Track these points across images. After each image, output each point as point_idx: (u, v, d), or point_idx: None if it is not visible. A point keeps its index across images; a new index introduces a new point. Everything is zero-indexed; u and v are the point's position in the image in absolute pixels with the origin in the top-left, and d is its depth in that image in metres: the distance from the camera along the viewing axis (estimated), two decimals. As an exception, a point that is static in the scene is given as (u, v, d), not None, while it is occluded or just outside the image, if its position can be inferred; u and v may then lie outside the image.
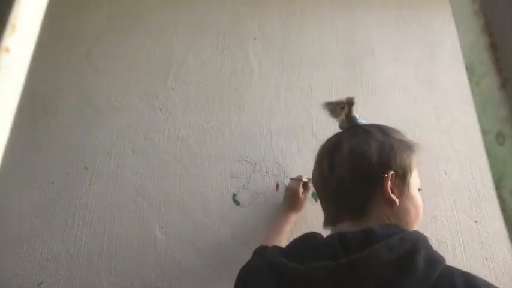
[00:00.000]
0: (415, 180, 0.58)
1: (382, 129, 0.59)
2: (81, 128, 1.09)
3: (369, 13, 1.31)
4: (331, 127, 1.14)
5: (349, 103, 0.60)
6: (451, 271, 0.46)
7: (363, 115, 0.65)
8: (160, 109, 1.13)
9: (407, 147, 0.57)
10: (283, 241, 0.90)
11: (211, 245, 0.98)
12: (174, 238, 0.98)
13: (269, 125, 1.13)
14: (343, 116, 0.61)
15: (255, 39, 1.25)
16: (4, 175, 0.99)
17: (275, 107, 1.15)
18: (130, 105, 1.13)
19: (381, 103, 1.17)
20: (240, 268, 0.74)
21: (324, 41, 1.26)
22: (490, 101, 0.17)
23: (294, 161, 1.07)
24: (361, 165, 0.54)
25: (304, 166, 1.05)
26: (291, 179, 1.01)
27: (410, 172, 0.57)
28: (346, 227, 0.54)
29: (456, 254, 0.99)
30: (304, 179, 0.98)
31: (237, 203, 1.03)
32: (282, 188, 1.04)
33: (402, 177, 0.55)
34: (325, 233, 0.57)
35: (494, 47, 0.17)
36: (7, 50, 0.17)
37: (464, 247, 1.00)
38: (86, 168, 1.05)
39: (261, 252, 0.81)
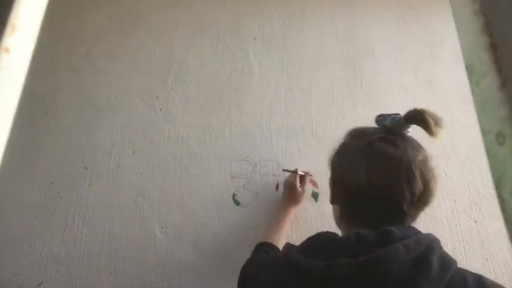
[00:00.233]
0: None
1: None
2: (81, 128, 1.09)
3: (369, 13, 1.31)
4: (331, 127, 1.14)
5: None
6: (463, 273, 0.48)
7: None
8: (160, 109, 1.13)
9: None
10: (283, 236, 0.91)
11: (211, 245, 0.98)
12: (174, 238, 0.98)
13: (269, 125, 1.13)
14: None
15: (255, 39, 1.25)
16: (4, 175, 0.99)
17: (275, 107, 1.15)
18: (130, 105, 1.13)
19: (381, 103, 1.17)
20: (240, 267, 0.75)
21: (324, 41, 1.26)
22: (490, 101, 0.17)
23: (294, 161, 1.07)
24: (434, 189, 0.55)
25: (304, 166, 1.05)
26: (283, 170, 1.02)
27: None
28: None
29: (456, 254, 0.99)
30: (300, 172, 0.99)
31: (237, 203, 1.03)
32: (282, 187, 1.04)
33: None
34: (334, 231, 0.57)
35: (494, 47, 0.17)
36: (7, 50, 0.17)
37: (464, 247, 1.00)
38: (86, 168, 1.05)
39: (264, 249, 0.81)
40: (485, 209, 1.05)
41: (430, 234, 0.51)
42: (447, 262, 0.47)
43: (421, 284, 0.43)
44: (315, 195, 1.04)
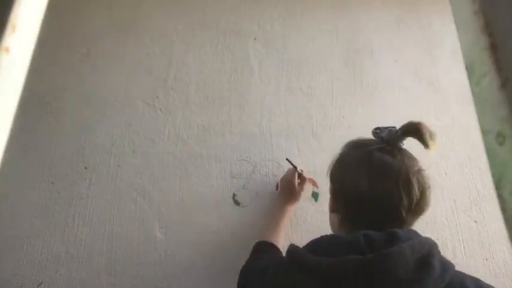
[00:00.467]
0: None
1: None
2: (81, 128, 1.09)
3: (369, 13, 1.31)
4: (331, 127, 1.14)
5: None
6: (461, 275, 0.51)
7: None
8: (160, 109, 1.13)
9: None
10: (282, 234, 0.91)
11: (211, 245, 0.98)
12: (174, 238, 0.98)
13: (269, 125, 1.13)
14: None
15: (255, 39, 1.25)
16: (4, 175, 0.99)
17: (275, 107, 1.15)
18: (130, 105, 1.13)
19: (381, 103, 1.17)
20: (240, 267, 0.75)
21: (324, 41, 1.26)
22: (490, 101, 0.17)
23: (294, 161, 1.07)
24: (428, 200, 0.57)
25: (304, 166, 1.05)
26: (287, 159, 1.02)
27: None
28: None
29: (456, 254, 0.99)
30: (299, 170, 0.99)
31: (237, 203, 1.03)
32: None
33: None
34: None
35: (494, 47, 0.17)
36: (7, 50, 0.17)
37: (464, 247, 1.00)
38: (86, 168, 1.05)
39: (263, 249, 0.81)
40: (485, 209, 1.05)
41: (429, 238, 0.53)
42: (446, 265, 0.50)
43: (426, 283, 0.46)
44: (315, 195, 1.04)
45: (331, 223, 0.66)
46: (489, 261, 0.99)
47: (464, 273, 0.52)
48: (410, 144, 0.60)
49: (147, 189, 1.03)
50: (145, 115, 1.12)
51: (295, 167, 1.00)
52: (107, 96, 1.13)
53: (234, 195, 1.04)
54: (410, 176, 0.55)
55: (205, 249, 0.98)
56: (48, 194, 1.01)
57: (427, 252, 0.49)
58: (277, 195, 1.03)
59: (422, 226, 1.02)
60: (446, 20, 1.30)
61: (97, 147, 1.07)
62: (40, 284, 0.92)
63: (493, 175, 0.18)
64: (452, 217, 1.04)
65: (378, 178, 0.55)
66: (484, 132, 0.18)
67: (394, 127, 0.61)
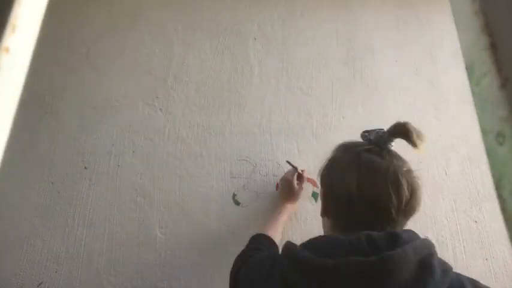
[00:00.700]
0: None
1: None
2: (81, 128, 1.09)
3: (369, 13, 1.31)
4: (331, 127, 1.14)
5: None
6: (460, 277, 0.51)
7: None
8: (160, 109, 1.13)
9: None
10: (279, 231, 0.91)
11: (211, 245, 0.98)
12: (174, 238, 0.98)
13: (269, 125, 1.13)
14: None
15: (255, 39, 1.25)
16: (4, 175, 0.99)
17: (275, 107, 1.15)
18: (130, 105, 1.13)
19: (381, 103, 1.17)
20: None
21: (324, 41, 1.26)
22: (490, 101, 0.17)
23: (294, 161, 1.07)
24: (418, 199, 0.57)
25: (304, 166, 1.05)
26: (287, 161, 1.03)
27: None
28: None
29: (456, 254, 0.99)
30: (299, 170, 0.99)
31: (237, 203, 1.03)
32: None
33: None
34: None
35: (494, 47, 0.17)
36: (7, 50, 0.17)
37: (464, 247, 1.00)
38: (86, 168, 1.05)
39: (259, 241, 0.80)
40: (485, 209, 1.05)
41: (427, 239, 0.53)
42: (446, 267, 0.49)
43: (428, 285, 0.46)
44: (315, 195, 1.04)
45: (323, 228, 0.65)
46: (489, 261, 0.99)
47: (461, 275, 0.52)
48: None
49: (147, 189, 1.03)
50: (145, 115, 1.12)
51: (295, 168, 1.00)
52: (107, 96, 1.13)
53: (234, 195, 1.04)
54: (399, 176, 0.55)
55: (205, 249, 0.98)
56: (48, 194, 1.01)
57: (428, 253, 0.49)
58: (277, 195, 1.03)
59: (423, 227, 1.02)
60: (446, 20, 1.30)
61: (97, 147, 1.07)
62: (40, 284, 0.92)
63: (493, 175, 0.18)
64: (452, 217, 1.04)
65: (366, 179, 0.55)
66: (484, 132, 0.18)
67: (382, 129, 0.61)
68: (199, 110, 1.13)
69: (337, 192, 0.59)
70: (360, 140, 0.64)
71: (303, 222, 1.02)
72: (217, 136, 1.10)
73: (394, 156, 0.59)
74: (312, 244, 0.54)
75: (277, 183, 1.05)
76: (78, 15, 1.24)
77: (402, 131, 0.58)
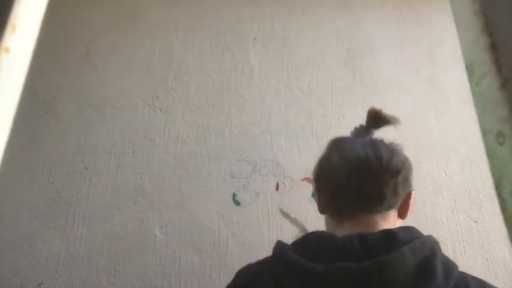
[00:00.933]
0: None
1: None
2: (81, 128, 1.09)
3: (369, 13, 1.31)
4: (331, 127, 1.14)
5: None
6: (465, 276, 0.48)
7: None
8: (160, 109, 1.13)
9: None
10: None
11: (211, 245, 0.98)
12: (174, 238, 0.98)
13: (269, 125, 1.13)
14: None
15: (255, 39, 1.25)
16: (4, 175, 0.99)
17: (275, 107, 1.15)
18: (130, 105, 1.13)
19: (381, 103, 1.17)
20: (240, 268, 0.74)
21: (324, 40, 1.26)
22: (490, 101, 0.17)
23: (294, 161, 1.07)
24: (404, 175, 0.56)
25: (304, 166, 1.05)
26: (282, 212, 1.00)
27: None
28: (361, 223, 0.54)
29: (456, 254, 0.99)
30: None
31: (237, 203, 1.03)
32: (282, 187, 1.04)
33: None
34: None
35: (494, 47, 0.17)
36: (7, 50, 0.17)
37: (464, 247, 1.00)
38: (86, 168, 1.05)
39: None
40: (485, 209, 1.05)
41: (430, 236, 0.50)
42: (450, 267, 0.47)
43: None
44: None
45: (325, 225, 0.64)
46: (489, 261, 0.99)
47: (467, 274, 0.49)
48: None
49: (147, 189, 1.03)
50: (145, 115, 1.12)
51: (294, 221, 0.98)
52: (106, 96, 1.13)
53: (234, 195, 1.04)
54: (377, 142, 0.57)
55: (205, 249, 0.98)
56: (48, 194, 1.01)
57: (430, 253, 0.46)
58: (277, 195, 1.03)
59: (422, 227, 1.02)
60: (446, 20, 1.30)
61: (97, 147, 1.07)
62: (40, 284, 0.92)
63: (493, 175, 0.18)
64: (452, 217, 1.04)
65: (352, 170, 0.56)
66: (484, 132, 0.18)
67: (362, 124, 0.64)
68: (199, 110, 1.13)
69: (328, 187, 0.60)
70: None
71: (303, 222, 1.02)
72: (217, 136, 1.10)
73: (382, 143, 0.59)
74: (303, 244, 0.52)
75: (277, 184, 1.05)
76: (78, 15, 1.24)
77: (373, 116, 0.60)
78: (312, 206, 1.03)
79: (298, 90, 1.18)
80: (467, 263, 0.98)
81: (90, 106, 1.12)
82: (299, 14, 1.29)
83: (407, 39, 1.29)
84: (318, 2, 1.31)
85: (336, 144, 0.62)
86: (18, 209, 0.99)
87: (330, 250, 0.48)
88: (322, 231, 0.54)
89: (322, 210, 0.63)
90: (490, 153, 0.18)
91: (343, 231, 0.53)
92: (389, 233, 0.48)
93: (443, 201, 1.05)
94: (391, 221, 0.56)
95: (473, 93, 0.19)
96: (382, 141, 0.60)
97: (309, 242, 0.52)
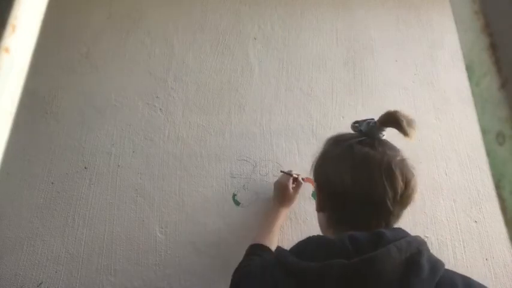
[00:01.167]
0: None
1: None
2: (81, 128, 1.09)
3: (369, 13, 1.31)
4: (331, 127, 1.14)
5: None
6: (451, 274, 0.50)
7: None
8: (160, 109, 1.13)
9: None
10: (275, 238, 0.90)
11: (211, 245, 0.98)
12: (174, 238, 0.98)
13: (269, 125, 1.13)
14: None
15: (255, 39, 1.25)
16: (4, 175, 0.99)
17: (275, 107, 1.15)
18: (130, 105, 1.13)
19: (381, 103, 1.17)
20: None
21: (324, 40, 1.26)
22: (490, 101, 0.17)
23: (294, 161, 1.07)
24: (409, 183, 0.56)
25: (304, 166, 1.05)
26: (281, 171, 1.01)
27: None
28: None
29: (456, 254, 0.99)
30: (294, 175, 0.98)
31: (237, 203, 1.03)
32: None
33: None
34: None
35: (494, 47, 0.17)
36: (7, 50, 0.17)
37: (464, 247, 1.00)
38: (86, 168, 1.05)
39: (257, 252, 0.80)
40: (485, 209, 1.05)
41: (417, 236, 0.52)
42: (436, 264, 0.48)
43: (413, 285, 0.45)
44: (315, 196, 1.04)
45: (319, 223, 0.65)
46: (489, 261, 0.99)
47: (454, 272, 0.51)
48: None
49: (147, 189, 1.03)
50: (145, 115, 1.12)
51: (290, 174, 0.98)
52: (107, 96, 1.13)
53: (234, 195, 1.04)
54: (393, 166, 0.54)
55: (205, 249, 0.98)
56: (48, 194, 1.01)
57: (416, 251, 0.48)
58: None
59: (422, 226, 1.02)
60: (446, 20, 1.31)
61: (97, 147, 1.07)
62: (40, 284, 0.92)
63: (493, 175, 0.18)
64: (452, 217, 1.04)
65: (360, 171, 0.55)
66: (484, 132, 0.18)
67: (373, 119, 0.61)
68: (199, 110, 1.13)
69: (331, 186, 0.59)
70: (350, 131, 0.63)
71: (303, 222, 1.02)
72: (217, 136, 1.10)
73: (387, 145, 0.58)
74: (298, 248, 0.54)
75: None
76: (78, 15, 1.24)
77: (392, 119, 0.58)
78: (312, 206, 1.03)
79: (298, 90, 1.18)
80: (467, 263, 0.98)
81: (90, 106, 1.12)
82: (299, 14, 1.29)
83: (407, 39, 1.29)
84: (318, 2, 1.31)
85: (344, 147, 0.60)
86: (18, 209, 0.99)
87: (323, 250, 0.50)
88: (317, 236, 0.56)
89: (319, 208, 0.63)
90: (490, 153, 0.18)
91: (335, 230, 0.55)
92: (377, 233, 0.50)
93: (443, 201, 1.05)
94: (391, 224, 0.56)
95: (473, 93, 0.19)
96: (384, 141, 0.60)
97: (304, 245, 0.54)
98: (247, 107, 1.15)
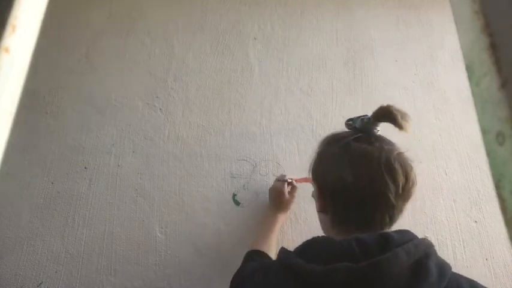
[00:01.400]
0: None
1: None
2: (81, 128, 1.09)
3: (369, 13, 1.31)
4: (331, 127, 1.14)
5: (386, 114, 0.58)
6: (458, 277, 0.50)
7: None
8: (160, 109, 1.13)
9: None
10: (273, 245, 0.89)
11: (211, 245, 0.98)
12: (174, 238, 0.98)
13: (269, 125, 1.13)
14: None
15: (255, 39, 1.25)
16: (4, 175, 0.99)
17: (275, 107, 1.15)
18: (130, 105, 1.13)
19: (381, 103, 1.17)
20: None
21: (324, 40, 1.26)
22: (490, 101, 0.17)
23: (294, 161, 1.07)
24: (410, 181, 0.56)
25: (304, 166, 1.04)
26: (277, 179, 0.99)
27: None
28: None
29: (456, 254, 0.99)
30: (288, 179, 0.97)
31: (237, 203, 1.03)
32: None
33: None
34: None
35: (494, 47, 0.17)
36: (7, 50, 0.17)
37: (464, 247, 1.00)
38: (86, 168, 1.05)
39: (254, 258, 0.79)
40: (485, 209, 1.05)
41: (425, 238, 0.52)
42: (444, 267, 0.48)
43: None
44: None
45: (321, 223, 0.65)
46: (489, 261, 0.99)
47: (460, 275, 0.51)
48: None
49: (147, 189, 1.03)
50: (145, 115, 1.12)
51: (284, 180, 0.97)
52: (107, 96, 1.13)
53: (234, 195, 1.04)
54: (392, 160, 0.54)
55: (205, 249, 0.98)
56: (48, 194, 1.01)
57: (424, 254, 0.48)
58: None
59: (422, 226, 1.02)
60: (446, 20, 1.31)
61: (97, 147, 1.07)
62: (40, 284, 0.92)
63: (493, 175, 0.18)
64: (452, 217, 1.04)
65: (360, 168, 0.55)
66: (484, 132, 0.18)
67: (366, 115, 0.61)
68: (199, 110, 1.13)
69: (332, 185, 0.58)
70: (345, 129, 0.63)
71: (303, 222, 1.02)
72: (217, 136, 1.10)
73: (383, 140, 0.58)
74: (304, 250, 0.53)
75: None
76: (78, 15, 1.24)
77: (386, 113, 0.58)
78: (312, 206, 1.03)
79: (298, 90, 1.18)
80: (467, 263, 0.98)
81: (90, 106, 1.12)
82: (299, 14, 1.29)
83: (407, 39, 1.29)
84: (318, 2, 1.31)
85: (341, 146, 0.60)
86: (18, 209, 0.99)
87: (329, 252, 0.50)
88: (322, 236, 0.55)
89: (321, 209, 0.63)
90: (490, 153, 0.18)
91: (339, 232, 0.54)
92: (385, 236, 0.50)
93: (443, 201, 1.05)
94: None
95: (473, 93, 0.19)
96: (380, 136, 0.59)
97: (309, 246, 0.54)
98: (247, 107, 1.15)
